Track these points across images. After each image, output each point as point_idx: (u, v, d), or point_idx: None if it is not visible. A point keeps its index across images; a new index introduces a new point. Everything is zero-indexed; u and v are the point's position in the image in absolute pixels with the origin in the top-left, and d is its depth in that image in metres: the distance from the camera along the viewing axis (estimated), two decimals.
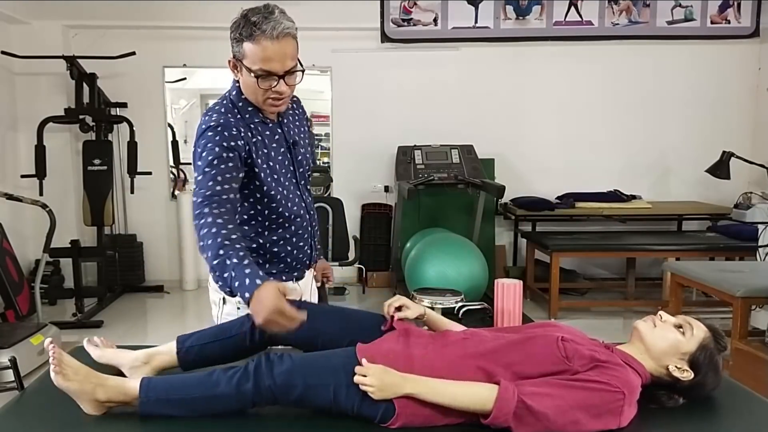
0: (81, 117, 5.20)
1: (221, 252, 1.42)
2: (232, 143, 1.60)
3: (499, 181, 5.25)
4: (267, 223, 1.75)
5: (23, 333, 3.77)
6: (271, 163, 1.71)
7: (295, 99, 1.86)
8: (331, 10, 5.42)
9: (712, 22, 5.72)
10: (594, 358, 1.39)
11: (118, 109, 5.53)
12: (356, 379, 1.32)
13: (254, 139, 1.67)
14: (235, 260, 1.40)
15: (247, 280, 1.37)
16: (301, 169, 1.83)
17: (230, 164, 1.58)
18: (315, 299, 2.04)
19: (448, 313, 3.94)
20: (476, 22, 5.64)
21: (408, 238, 5.05)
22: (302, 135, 1.86)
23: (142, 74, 5.58)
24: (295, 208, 1.78)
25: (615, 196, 5.56)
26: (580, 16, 5.67)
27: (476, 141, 5.47)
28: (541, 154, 5.82)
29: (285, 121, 1.80)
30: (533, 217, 5.56)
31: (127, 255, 5.64)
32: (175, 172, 6.08)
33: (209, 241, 1.44)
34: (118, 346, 1.71)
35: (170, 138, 5.86)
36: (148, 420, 1.38)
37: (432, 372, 1.40)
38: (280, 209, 1.74)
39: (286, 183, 1.76)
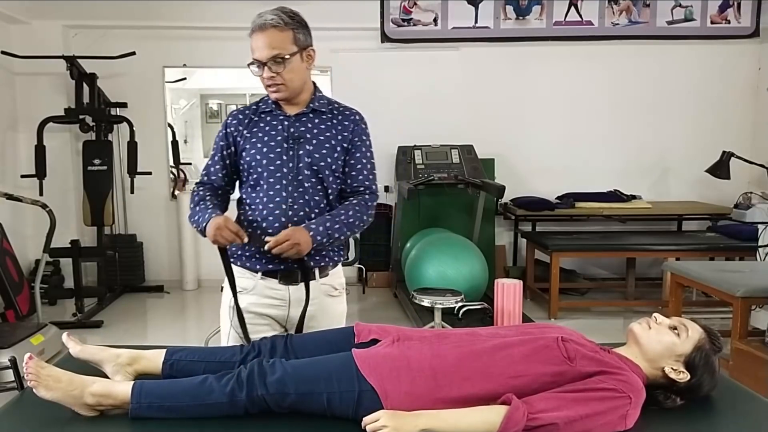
0: (81, 117, 5.19)
1: (195, 207, 1.90)
2: (225, 130, 1.95)
3: (499, 181, 5.25)
4: (246, 199, 1.93)
5: (23, 333, 3.77)
6: (259, 145, 1.88)
7: (350, 111, 1.96)
8: (331, 10, 5.42)
9: (712, 22, 5.72)
10: (600, 362, 1.39)
11: (118, 109, 5.53)
12: (369, 427, 1.29)
13: (251, 122, 1.92)
14: (202, 207, 1.87)
15: (207, 216, 1.82)
16: (300, 164, 1.86)
17: (219, 150, 1.96)
18: (341, 317, 2.01)
19: (448, 313, 3.96)
20: (476, 22, 5.64)
21: (408, 238, 5.05)
22: (325, 138, 1.89)
23: (142, 74, 5.58)
24: (271, 193, 1.86)
25: (615, 196, 5.56)
26: (580, 16, 5.67)
27: (476, 141, 5.47)
28: (541, 154, 5.81)
29: (304, 119, 1.90)
30: (533, 217, 5.56)
31: (127, 255, 5.63)
32: (175, 172, 6.08)
33: (191, 205, 1.92)
34: (116, 347, 1.70)
35: (170, 138, 5.86)
36: (147, 420, 1.38)
37: (431, 373, 1.40)
38: (254, 189, 1.90)
39: (272, 169, 1.86)
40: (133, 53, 5.22)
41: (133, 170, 5.28)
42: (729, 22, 5.71)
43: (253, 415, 1.40)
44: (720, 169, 4.76)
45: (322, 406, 1.38)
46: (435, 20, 5.63)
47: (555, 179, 5.73)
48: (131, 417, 1.38)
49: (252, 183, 1.90)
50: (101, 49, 5.32)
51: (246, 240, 1.79)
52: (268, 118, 1.91)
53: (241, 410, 1.39)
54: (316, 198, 1.88)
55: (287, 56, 1.79)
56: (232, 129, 1.92)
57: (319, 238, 1.79)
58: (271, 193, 1.86)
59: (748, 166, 4.97)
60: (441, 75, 5.73)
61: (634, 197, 5.62)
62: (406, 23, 5.63)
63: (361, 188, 1.95)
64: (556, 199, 5.57)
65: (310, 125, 1.90)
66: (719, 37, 5.73)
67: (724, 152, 4.76)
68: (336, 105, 1.97)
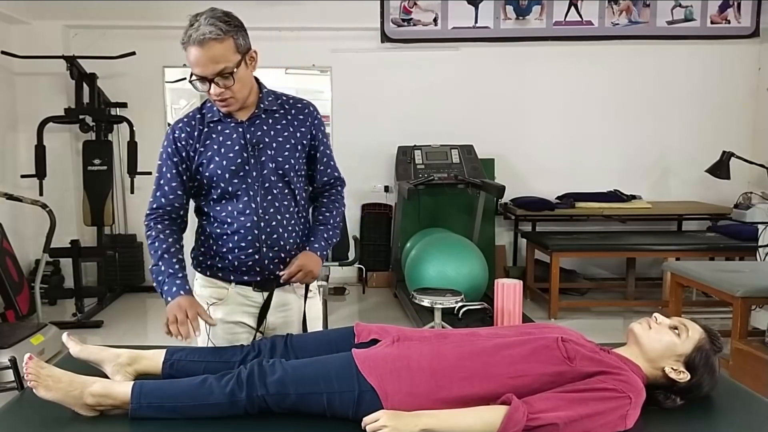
0: (81, 117, 5.19)
1: (159, 262, 1.74)
2: (175, 145, 1.79)
3: (499, 181, 5.25)
4: (209, 213, 1.83)
5: (23, 333, 3.77)
6: (217, 159, 1.77)
7: (302, 103, 1.88)
8: (331, 10, 5.42)
9: (712, 22, 5.72)
10: (600, 362, 1.39)
11: (118, 109, 5.53)
12: (369, 427, 1.30)
13: (201, 134, 1.79)
14: (170, 271, 1.73)
15: (174, 289, 1.70)
16: (265, 171, 1.77)
17: (173, 167, 1.79)
18: (317, 320, 1.97)
19: (448, 313, 3.96)
20: (476, 22, 5.64)
21: (408, 238, 5.05)
22: (284, 139, 1.81)
23: (142, 74, 5.58)
24: (240, 206, 1.78)
25: (615, 196, 5.56)
26: (580, 16, 5.67)
27: (476, 141, 5.47)
28: (541, 154, 5.81)
29: (258, 122, 1.80)
30: (533, 217, 5.56)
31: (127, 255, 5.63)
32: None
33: (152, 252, 1.77)
34: (116, 347, 1.70)
35: None
36: (147, 420, 1.38)
37: (431, 373, 1.40)
38: (218, 202, 1.81)
39: (235, 180, 1.77)
40: (133, 53, 5.22)
41: (133, 170, 5.27)
42: (729, 22, 5.71)
43: (252, 416, 1.40)
44: (720, 169, 4.76)
45: (322, 406, 1.38)
46: (435, 20, 5.63)
47: (555, 179, 5.73)
48: (131, 417, 1.38)
49: (215, 197, 1.80)
50: (101, 49, 5.32)
51: (214, 324, 1.76)
52: (219, 128, 1.79)
53: (241, 410, 1.39)
54: (285, 203, 1.81)
55: (234, 69, 1.66)
56: (183, 143, 1.78)
57: (324, 253, 1.85)
58: (240, 206, 1.77)
59: (748, 166, 4.97)
60: (441, 75, 5.73)
61: (634, 197, 5.62)
62: (406, 23, 5.63)
63: (332, 180, 1.96)
64: (556, 199, 5.57)
65: (265, 128, 1.80)
66: (719, 37, 5.73)
67: (724, 152, 4.76)
68: (285, 99, 1.87)
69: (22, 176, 5.17)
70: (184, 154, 1.79)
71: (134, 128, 5.29)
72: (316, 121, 1.87)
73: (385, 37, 5.63)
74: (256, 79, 1.83)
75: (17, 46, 5.23)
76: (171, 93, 5.90)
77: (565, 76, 5.77)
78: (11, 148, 5.42)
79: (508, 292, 3.97)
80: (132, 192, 5.37)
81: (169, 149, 1.79)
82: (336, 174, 1.97)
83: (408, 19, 5.63)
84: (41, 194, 4.99)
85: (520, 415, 1.27)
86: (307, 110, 1.87)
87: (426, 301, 3.56)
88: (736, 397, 1.55)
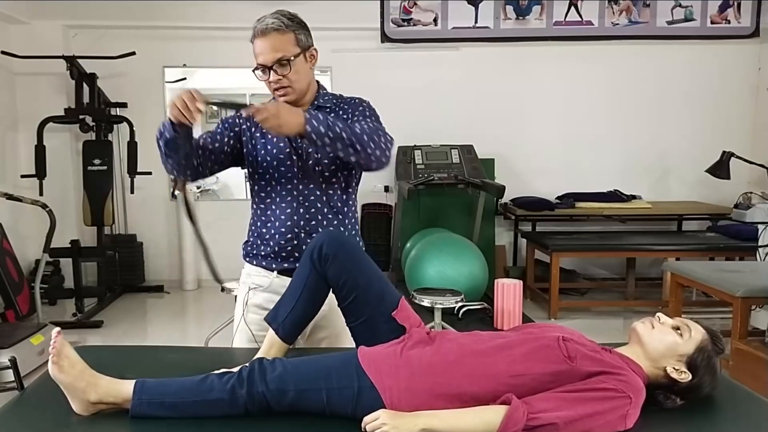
0: (81, 117, 5.20)
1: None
2: (238, 120, 1.91)
3: (499, 181, 5.25)
4: (257, 199, 1.93)
5: (23, 333, 3.77)
6: (268, 146, 1.86)
7: (355, 101, 1.95)
8: (331, 10, 5.42)
9: (712, 22, 5.72)
10: (600, 362, 1.39)
11: (118, 109, 5.53)
12: (369, 426, 1.30)
13: (254, 128, 1.88)
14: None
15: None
16: (310, 162, 1.85)
17: (230, 124, 1.91)
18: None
19: (448, 313, 3.96)
20: (476, 22, 5.64)
21: (408, 238, 5.05)
22: None
23: (142, 74, 5.59)
24: (283, 192, 1.86)
25: (615, 196, 5.57)
26: (580, 16, 5.67)
27: (476, 141, 5.47)
28: (541, 154, 5.82)
29: (307, 116, 1.70)
30: (533, 217, 5.56)
31: (127, 255, 5.64)
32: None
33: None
34: (118, 347, 1.70)
35: None
36: (147, 420, 1.38)
37: (431, 371, 1.40)
38: (264, 189, 1.89)
39: (282, 168, 1.85)
40: (133, 53, 5.22)
41: (133, 170, 5.28)
42: (729, 22, 5.71)
43: (253, 415, 1.40)
44: (720, 169, 4.76)
45: (322, 402, 1.38)
46: (435, 20, 5.63)
47: (555, 179, 5.73)
48: (132, 414, 1.38)
49: (263, 182, 1.89)
50: (101, 49, 5.32)
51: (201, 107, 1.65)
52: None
53: (242, 408, 1.39)
54: (329, 192, 1.87)
55: (291, 58, 1.77)
56: (241, 121, 1.90)
57: (315, 123, 1.61)
58: (283, 192, 1.86)
59: (748, 166, 4.97)
60: (441, 75, 5.73)
61: (634, 197, 5.62)
62: (406, 23, 5.63)
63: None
64: (556, 199, 5.57)
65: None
66: (719, 37, 5.73)
67: (724, 152, 4.76)
68: (342, 98, 1.96)
69: (22, 176, 5.17)
70: (238, 129, 1.89)
71: (134, 128, 5.30)
72: (358, 108, 1.91)
73: (385, 37, 5.63)
74: (318, 83, 1.93)
75: (17, 46, 5.23)
76: (171, 93, 5.90)
77: (565, 76, 5.77)
78: (11, 148, 5.42)
79: (508, 292, 3.97)
80: (132, 192, 5.37)
81: (230, 119, 1.92)
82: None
83: (408, 19, 5.63)
84: (41, 194, 4.99)
85: (520, 415, 1.27)
86: (354, 101, 1.95)
87: (426, 301, 3.56)
88: (736, 397, 1.55)
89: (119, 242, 5.61)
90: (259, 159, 1.87)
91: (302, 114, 1.62)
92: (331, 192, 1.88)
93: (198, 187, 6.10)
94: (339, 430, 1.36)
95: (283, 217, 1.86)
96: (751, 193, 5.34)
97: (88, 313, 4.93)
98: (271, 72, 1.78)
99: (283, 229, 1.85)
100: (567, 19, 5.67)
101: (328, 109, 1.89)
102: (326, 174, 1.86)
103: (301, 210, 1.85)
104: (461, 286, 4.04)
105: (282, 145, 1.85)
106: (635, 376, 1.40)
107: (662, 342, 1.47)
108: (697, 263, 4.28)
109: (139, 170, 5.28)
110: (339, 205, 1.90)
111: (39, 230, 4.86)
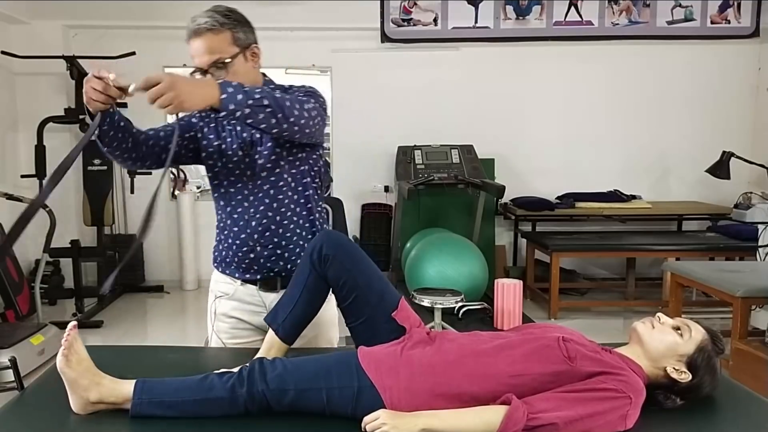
0: (81, 117, 5.19)
1: None
2: (193, 119, 1.80)
3: (499, 181, 5.25)
4: (215, 206, 1.86)
5: (23, 333, 3.77)
6: (216, 154, 1.77)
7: (301, 92, 1.75)
8: (331, 10, 5.42)
9: (712, 22, 5.72)
10: (600, 362, 1.39)
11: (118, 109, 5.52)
12: (369, 426, 1.30)
13: (212, 122, 1.79)
14: None
15: None
16: (257, 168, 1.75)
17: (185, 123, 1.79)
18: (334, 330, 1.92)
19: (448, 313, 3.95)
20: (476, 22, 5.64)
21: (408, 238, 5.05)
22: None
23: (142, 74, 5.54)
24: (233, 202, 1.78)
25: (615, 196, 5.57)
26: (580, 16, 5.67)
27: (476, 141, 5.47)
28: (541, 154, 5.82)
29: (221, 84, 1.56)
30: (533, 217, 5.56)
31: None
32: (175, 172, 6.08)
33: None
34: (118, 347, 1.70)
35: None
36: (147, 420, 1.38)
37: (431, 371, 1.40)
38: (222, 195, 1.81)
39: (231, 178, 1.77)
40: (133, 53, 5.22)
41: (133, 170, 5.28)
42: (729, 22, 5.71)
43: (253, 415, 1.39)
44: (720, 169, 4.76)
45: (322, 402, 1.38)
46: (435, 20, 5.63)
47: (555, 179, 5.73)
48: (132, 414, 1.38)
49: (216, 190, 1.82)
50: (101, 49, 5.32)
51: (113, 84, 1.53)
52: (225, 122, 1.78)
53: (242, 407, 1.39)
54: (280, 197, 1.77)
55: (228, 59, 1.64)
56: (197, 120, 1.80)
57: (231, 90, 1.46)
58: (234, 202, 1.78)
59: (748, 166, 4.97)
60: (441, 75, 5.73)
61: (634, 197, 5.62)
62: (406, 23, 5.63)
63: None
64: (556, 199, 5.57)
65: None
66: (719, 37, 5.73)
67: (724, 152, 4.76)
68: (285, 91, 1.76)
69: (22, 176, 5.17)
70: (192, 126, 1.79)
71: None
72: (297, 91, 1.76)
73: (385, 37, 5.63)
74: (264, 76, 1.80)
75: (17, 46, 5.23)
76: None
77: (565, 76, 5.77)
78: (11, 148, 5.42)
79: (508, 292, 3.97)
80: (132, 192, 5.37)
81: (186, 117, 1.81)
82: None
83: (408, 19, 5.63)
84: None
85: (520, 415, 1.27)
86: (297, 89, 1.80)
87: (426, 301, 3.56)
88: (736, 397, 1.55)
89: (119, 242, 5.60)
90: (211, 163, 1.79)
91: (214, 83, 1.47)
92: (283, 196, 1.77)
93: (198, 187, 6.10)
94: (339, 430, 1.36)
95: (236, 229, 1.78)
96: (751, 193, 5.34)
97: (88, 313, 4.93)
98: (208, 75, 1.65)
99: (238, 242, 1.79)
100: (567, 19, 5.67)
101: None
102: (273, 179, 1.75)
103: (253, 223, 1.76)
104: (461, 286, 4.03)
105: (230, 153, 1.75)
106: (635, 376, 1.40)
107: (662, 342, 1.47)
108: (697, 263, 4.28)
109: (139, 170, 5.27)
110: (292, 204, 1.79)
111: (39, 230, 4.85)
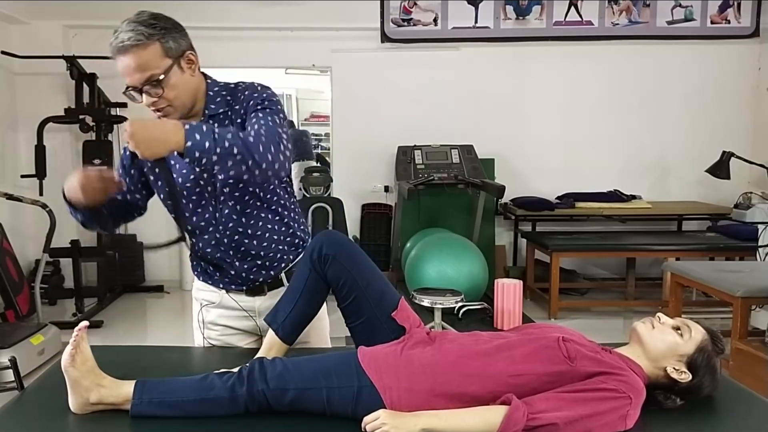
0: (81, 117, 5.20)
1: None
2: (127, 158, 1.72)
3: (499, 181, 5.25)
4: (184, 229, 1.77)
5: (23, 333, 3.77)
6: (173, 174, 1.65)
7: (243, 94, 1.61)
8: (331, 10, 5.42)
9: (712, 22, 5.72)
10: (600, 362, 1.40)
11: (118, 109, 5.52)
12: (369, 426, 1.30)
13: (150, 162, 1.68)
14: None
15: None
16: (218, 184, 1.63)
17: (129, 163, 1.72)
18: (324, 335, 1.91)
19: (448, 313, 3.96)
20: (476, 22, 5.64)
21: (408, 238, 5.05)
22: None
23: None
24: (202, 223, 1.70)
25: (615, 196, 5.56)
26: (580, 16, 5.67)
27: (476, 141, 5.47)
28: (541, 154, 5.82)
29: (188, 129, 1.41)
30: (533, 217, 5.56)
31: (127, 255, 5.63)
32: None
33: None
34: (118, 347, 1.70)
35: None
36: (148, 420, 1.38)
37: (431, 371, 1.40)
38: (183, 218, 1.72)
39: (193, 197, 1.68)
40: None
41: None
42: (729, 22, 5.71)
43: (253, 415, 1.40)
44: (720, 169, 4.76)
45: (322, 402, 1.38)
46: (435, 20, 5.63)
47: (555, 179, 5.73)
48: (132, 414, 1.38)
49: (178, 214, 1.70)
50: (101, 49, 5.26)
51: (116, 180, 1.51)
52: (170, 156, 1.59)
53: (242, 407, 1.39)
54: (248, 210, 1.68)
55: (161, 76, 1.50)
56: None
57: (198, 137, 1.35)
58: (203, 223, 1.71)
59: (748, 166, 4.98)
60: (441, 75, 5.73)
61: (634, 197, 5.62)
62: (406, 23, 5.63)
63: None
64: (556, 199, 5.57)
65: None
66: (719, 37, 5.73)
67: (724, 152, 4.76)
68: (235, 90, 1.64)
69: (22, 176, 5.17)
70: (136, 167, 1.71)
71: None
72: (251, 102, 1.59)
73: (385, 37, 5.63)
74: (206, 77, 1.65)
75: (17, 46, 5.23)
76: None
77: (565, 76, 5.77)
78: (11, 148, 5.42)
79: (508, 292, 3.97)
80: None
81: (127, 157, 1.70)
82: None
83: (408, 19, 5.63)
84: (41, 194, 4.99)
85: (520, 415, 1.27)
86: (243, 97, 1.61)
87: (426, 301, 3.56)
88: (736, 397, 1.55)
89: (119, 242, 5.60)
90: (165, 191, 1.67)
91: (180, 128, 1.35)
92: (251, 208, 1.69)
93: None
94: (339, 430, 1.36)
95: (209, 249, 1.73)
96: (751, 193, 5.34)
97: (88, 313, 4.93)
98: (143, 95, 1.52)
99: (215, 261, 1.74)
100: (567, 19, 5.67)
101: (221, 115, 1.63)
102: (237, 193, 1.65)
103: (225, 240, 1.70)
104: (461, 286, 4.04)
105: (185, 172, 1.63)
106: (635, 376, 1.40)
107: (663, 342, 1.48)
108: (697, 263, 4.28)
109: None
110: (262, 213, 1.71)
111: (39, 230, 4.86)
